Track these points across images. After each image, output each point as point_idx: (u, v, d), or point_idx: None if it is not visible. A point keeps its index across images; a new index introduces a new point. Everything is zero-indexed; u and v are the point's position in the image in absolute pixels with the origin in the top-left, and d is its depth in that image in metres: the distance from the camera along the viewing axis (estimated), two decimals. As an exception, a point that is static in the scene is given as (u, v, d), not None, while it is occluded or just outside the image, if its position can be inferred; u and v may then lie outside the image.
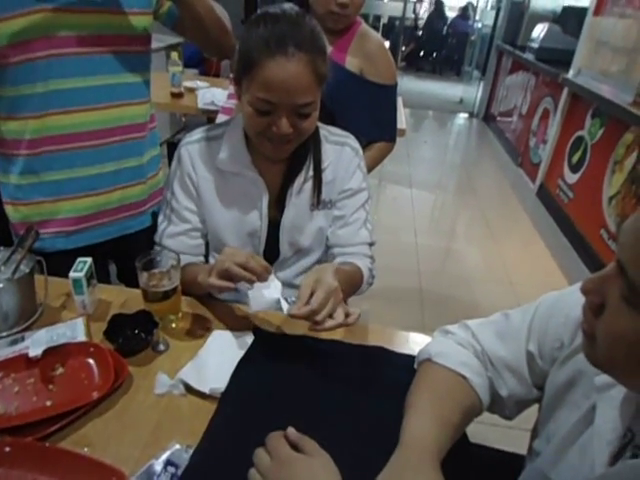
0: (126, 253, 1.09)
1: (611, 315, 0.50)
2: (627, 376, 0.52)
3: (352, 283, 1.06)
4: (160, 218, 1.12)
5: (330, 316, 0.82)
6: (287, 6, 0.95)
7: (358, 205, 1.14)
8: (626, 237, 0.48)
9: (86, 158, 1.12)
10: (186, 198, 1.08)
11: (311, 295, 0.81)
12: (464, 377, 0.74)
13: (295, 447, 0.62)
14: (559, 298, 0.73)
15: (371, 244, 1.16)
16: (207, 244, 1.17)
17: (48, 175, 1.11)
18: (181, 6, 1.10)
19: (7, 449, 0.66)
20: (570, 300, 0.69)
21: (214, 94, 2.47)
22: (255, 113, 0.92)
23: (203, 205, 1.09)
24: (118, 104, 1.13)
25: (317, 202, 1.10)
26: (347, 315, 0.85)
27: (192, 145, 1.07)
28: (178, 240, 1.10)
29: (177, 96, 2.59)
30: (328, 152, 1.09)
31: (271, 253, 1.14)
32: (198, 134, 1.08)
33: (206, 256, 1.18)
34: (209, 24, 1.15)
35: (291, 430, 0.63)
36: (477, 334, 0.79)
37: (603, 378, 0.58)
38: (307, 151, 1.07)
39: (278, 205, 1.10)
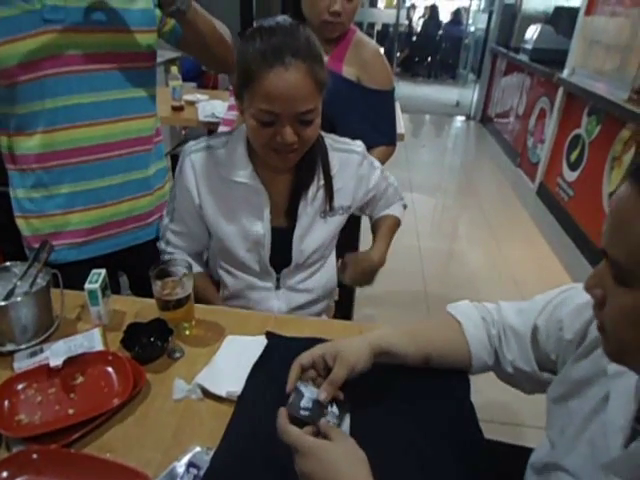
0: (136, 264, 1.11)
1: (611, 301, 0.52)
2: (638, 360, 0.53)
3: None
4: (164, 213, 1.19)
5: None
6: (280, 18, 0.97)
7: (381, 189, 1.27)
8: (605, 223, 0.52)
9: (94, 171, 1.15)
10: (186, 211, 1.13)
11: None
12: (459, 323, 0.86)
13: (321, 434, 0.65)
14: (578, 289, 0.77)
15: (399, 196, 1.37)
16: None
17: (57, 188, 1.14)
18: (184, 25, 1.13)
19: (34, 456, 0.69)
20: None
21: (214, 106, 2.51)
22: (259, 125, 0.94)
23: (206, 217, 1.11)
24: (124, 118, 1.16)
25: (330, 208, 1.13)
26: None
27: (195, 154, 1.09)
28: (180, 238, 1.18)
29: (178, 109, 2.62)
30: (334, 160, 1.11)
31: (278, 261, 1.15)
32: (202, 142, 1.10)
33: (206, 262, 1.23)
34: (211, 41, 1.18)
35: (323, 422, 0.67)
36: (502, 309, 0.87)
37: (615, 366, 0.60)
38: (314, 160, 1.09)
39: (288, 215, 1.12)
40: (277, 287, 1.18)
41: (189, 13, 1.09)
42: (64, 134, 1.10)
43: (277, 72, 0.88)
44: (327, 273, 1.24)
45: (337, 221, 1.16)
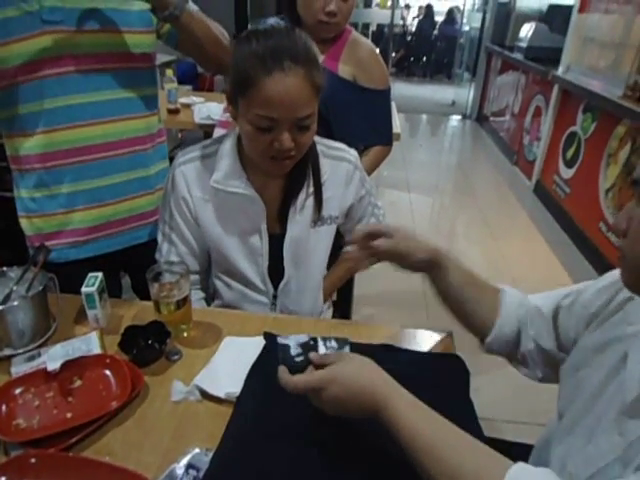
0: (137, 264, 1.11)
1: (634, 226, 0.55)
2: None
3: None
4: (160, 238, 1.13)
5: None
6: (274, 21, 0.95)
7: (363, 209, 1.20)
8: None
9: (94, 170, 1.15)
10: (183, 223, 1.09)
11: None
12: (500, 290, 0.89)
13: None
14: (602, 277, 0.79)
15: None
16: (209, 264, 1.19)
17: (59, 188, 1.14)
18: (178, 28, 1.13)
19: (32, 460, 0.68)
20: (610, 277, 0.74)
21: (210, 108, 2.51)
22: (256, 131, 0.91)
23: (203, 227, 1.09)
24: (123, 118, 1.16)
25: (317, 218, 1.10)
26: None
27: (186, 165, 1.06)
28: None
29: (174, 112, 2.62)
30: (325, 167, 1.08)
31: (275, 271, 1.13)
32: (192, 153, 1.07)
33: (208, 271, 1.21)
34: (207, 42, 1.17)
35: (313, 354, 0.68)
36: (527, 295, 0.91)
37: (636, 327, 0.61)
38: (306, 166, 1.06)
39: (280, 220, 1.10)
40: (273, 304, 1.17)
41: (183, 17, 1.09)
42: (64, 134, 1.10)
43: (276, 77, 0.85)
44: (317, 297, 1.23)
45: (327, 231, 1.14)
